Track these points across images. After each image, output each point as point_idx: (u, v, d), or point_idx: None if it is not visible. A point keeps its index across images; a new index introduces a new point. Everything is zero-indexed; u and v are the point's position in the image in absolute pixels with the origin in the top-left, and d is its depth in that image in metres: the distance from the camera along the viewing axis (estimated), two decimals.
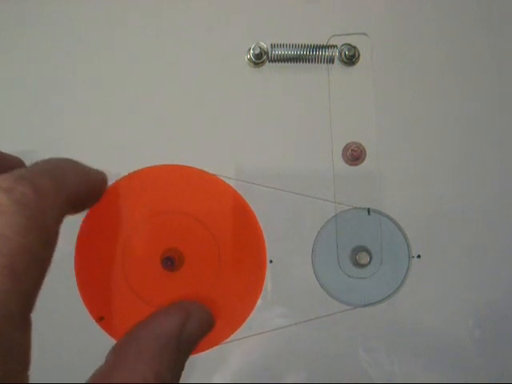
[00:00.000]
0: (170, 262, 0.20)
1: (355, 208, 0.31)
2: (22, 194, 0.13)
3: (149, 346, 0.16)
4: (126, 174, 0.22)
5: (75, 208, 0.17)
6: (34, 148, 0.31)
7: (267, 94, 0.31)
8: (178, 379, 0.17)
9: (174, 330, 0.17)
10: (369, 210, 0.29)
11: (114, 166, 0.30)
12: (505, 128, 0.32)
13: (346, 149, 0.31)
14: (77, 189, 0.16)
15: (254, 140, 0.31)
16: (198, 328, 0.18)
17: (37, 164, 0.16)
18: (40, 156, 0.32)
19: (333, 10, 0.32)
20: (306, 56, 0.31)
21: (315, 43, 0.31)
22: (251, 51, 0.31)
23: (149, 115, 0.31)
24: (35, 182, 0.14)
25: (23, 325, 0.13)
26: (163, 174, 0.21)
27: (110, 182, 0.23)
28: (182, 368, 0.17)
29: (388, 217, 0.31)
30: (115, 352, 0.17)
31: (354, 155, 0.31)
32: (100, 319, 0.20)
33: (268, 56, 0.31)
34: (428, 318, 0.31)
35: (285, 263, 0.30)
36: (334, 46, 0.31)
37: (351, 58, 0.31)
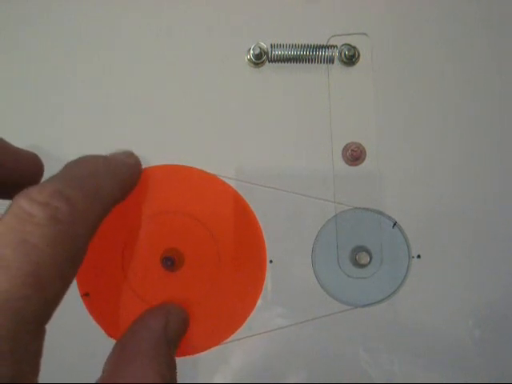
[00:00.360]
0: (170, 262, 0.20)
1: (355, 208, 0.31)
2: (56, 210, 0.13)
3: (144, 349, 0.17)
4: None
5: (108, 214, 0.16)
6: (34, 148, 0.31)
7: (267, 94, 0.31)
8: (176, 376, 0.18)
9: (160, 331, 0.18)
10: (394, 224, 0.29)
11: None
12: (505, 128, 0.32)
13: (345, 149, 0.31)
14: (111, 197, 0.16)
15: (254, 140, 0.31)
16: (179, 324, 0.19)
17: (71, 170, 0.16)
18: (40, 156, 0.32)
19: (333, 10, 0.32)
20: (306, 56, 0.31)
21: (315, 43, 0.31)
22: (251, 51, 0.31)
23: (149, 115, 0.31)
24: (70, 197, 0.14)
25: (38, 333, 0.13)
26: (163, 174, 0.21)
27: None
28: (175, 366, 0.18)
29: (388, 217, 0.31)
30: (113, 360, 0.17)
31: (354, 155, 0.31)
32: (85, 295, 0.20)
33: (268, 56, 0.31)
34: (428, 318, 0.31)
35: (285, 263, 0.30)
36: (334, 46, 0.31)
37: (351, 58, 0.31)
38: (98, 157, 0.17)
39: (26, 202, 0.13)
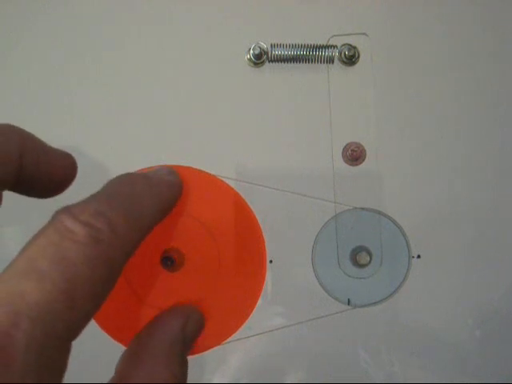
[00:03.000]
0: (170, 261, 0.20)
1: (355, 208, 0.31)
2: (98, 231, 0.13)
3: (160, 349, 0.17)
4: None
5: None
6: None
7: (267, 94, 0.31)
8: (187, 378, 0.18)
9: (178, 332, 0.18)
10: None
11: (115, 166, 0.30)
12: (505, 128, 0.32)
13: (346, 149, 0.31)
14: (152, 219, 0.16)
15: (254, 140, 0.31)
16: (195, 328, 0.19)
17: (113, 190, 0.16)
18: None
19: (333, 10, 0.32)
20: (306, 56, 0.31)
21: (315, 43, 0.31)
22: (251, 51, 0.31)
23: (149, 115, 0.31)
24: (111, 219, 0.14)
25: (63, 349, 0.13)
26: None
27: None
28: (187, 366, 0.18)
29: (388, 217, 0.31)
30: (127, 360, 0.17)
31: (354, 155, 0.31)
32: None
33: (268, 56, 0.31)
34: (428, 318, 0.31)
35: (285, 263, 0.30)
36: (334, 46, 0.31)
37: (351, 58, 0.31)
38: (140, 175, 0.17)
39: (69, 219, 0.13)
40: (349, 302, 0.30)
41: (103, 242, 0.13)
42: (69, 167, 0.18)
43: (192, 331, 0.19)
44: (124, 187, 0.16)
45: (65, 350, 0.13)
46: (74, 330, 0.13)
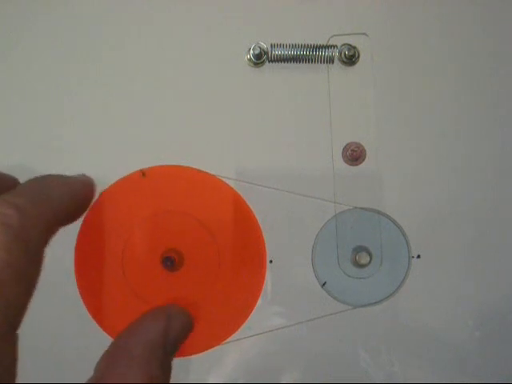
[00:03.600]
0: (170, 262, 0.20)
1: (355, 208, 0.31)
2: (4, 216, 0.14)
3: (138, 351, 0.17)
4: (127, 174, 0.22)
5: (63, 221, 0.17)
6: (34, 149, 0.31)
7: (267, 94, 0.31)
8: (169, 380, 0.18)
9: (160, 334, 0.18)
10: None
11: (114, 166, 0.30)
12: (505, 128, 0.32)
13: (346, 149, 0.31)
14: (61, 203, 0.17)
15: (254, 140, 0.31)
16: (180, 330, 0.19)
17: (21, 184, 0.17)
18: (41, 156, 0.32)
19: (333, 10, 0.32)
20: (306, 56, 0.31)
21: (315, 43, 0.31)
22: (251, 51, 0.31)
23: (149, 115, 0.31)
24: (17, 203, 0.15)
25: (8, 338, 0.13)
26: (163, 175, 0.21)
27: (110, 182, 0.23)
28: (170, 369, 0.18)
29: (388, 217, 0.31)
30: (105, 361, 0.17)
31: (354, 155, 0.31)
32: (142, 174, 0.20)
33: (268, 56, 0.31)
34: (428, 318, 0.31)
35: (285, 263, 0.30)
36: (334, 46, 0.31)
37: (351, 58, 0.31)
38: (52, 174, 0.18)
39: None
40: (349, 302, 0.30)
41: (13, 226, 0.14)
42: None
43: (176, 332, 0.19)
44: (34, 180, 0.17)
45: (10, 340, 0.13)
46: (12, 317, 0.13)
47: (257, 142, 0.31)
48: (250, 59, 0.31)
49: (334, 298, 0.31)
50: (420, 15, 0.32)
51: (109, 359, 0.17)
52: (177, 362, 0.19)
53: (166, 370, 0.18)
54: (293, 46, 0.31)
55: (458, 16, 0.32)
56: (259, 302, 0.21)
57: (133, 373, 0.16)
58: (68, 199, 0.17)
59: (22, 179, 0.18)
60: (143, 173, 0.21)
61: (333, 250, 0.31)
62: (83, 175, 0.20)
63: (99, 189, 0.21)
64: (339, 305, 0.30)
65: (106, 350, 0.18)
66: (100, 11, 0.32)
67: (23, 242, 0.14)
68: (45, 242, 0.16)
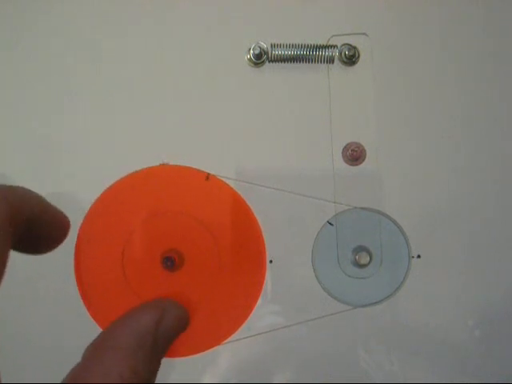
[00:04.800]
0: (170, 262, 0.20)
1: (355, 208, 0.31)
2: None
3: (125, 342, 0.16)
4: (126, 174, 0.22)
5: (31, 232, 0.16)
6: (34, 148, 0.31)
7: (267, 94, 0.31)
8: (155, 376, 0.17)
9: (150, 327, 0.17)
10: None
11: (114, 166, 0.30)
12: (505, 128, 0.32)
13: (346, 149, 0.31)
14: (31, 211, 0.16)
15: (254, 140, 0.31)
16: (173, 324, 0.18)
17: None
18: (40, 156, 0.32)
19: (333, 10, 0.32)
20: (306, 56, 0.31)
21: (315, 43, 0.31)
22: (251, 51, 0.31)
23: (149, 115, 0.31)
24: None
25: None
26: (163, 175, 0.21)
27: (111, 182, 0.23)
28: (158, 364, 0.17)
29: (388, 217, 0.31)
30: (91, 350, 0.17)
31: (354, 155, 0.31)
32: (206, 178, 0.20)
33: (268, 56, 0.31)
34: (428, 318, 0.31)
35: (285, 263, 0.30)
36: (334, 46, 0.31)
37: (351, 58, 0.31)
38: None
39: None
40: (349, 302, 0.30)
41: None
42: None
43: (168, 326, 0.18)
44: (4, 186, 0.16)
45: None
46: None
47: (257, 141, 0.31)
48: (250, 59, 0.31)
49: (334, 298, 0.31)
50: (420, 15, 0.32)
51: (95, 348, 0.17)
52: (173, 362, 0.19)
53: (154, 365, 0.17)
54: (293, 46, 0.31)
55: (458, 16, 0.32)
56: (259, 301, 0.21)
57: (116, 364, 0.15)
58: (38, 210, 0.17)
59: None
60: (207, 176, 0.21)
61: (333, 249, 0.31)
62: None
63: (99, 189, 0.21)
64: (339, 305, 0.30)
65: (95, 338, 0.17)
66: (100, 11, 0.32)
67: None
68: (6, 246, 0.15)
